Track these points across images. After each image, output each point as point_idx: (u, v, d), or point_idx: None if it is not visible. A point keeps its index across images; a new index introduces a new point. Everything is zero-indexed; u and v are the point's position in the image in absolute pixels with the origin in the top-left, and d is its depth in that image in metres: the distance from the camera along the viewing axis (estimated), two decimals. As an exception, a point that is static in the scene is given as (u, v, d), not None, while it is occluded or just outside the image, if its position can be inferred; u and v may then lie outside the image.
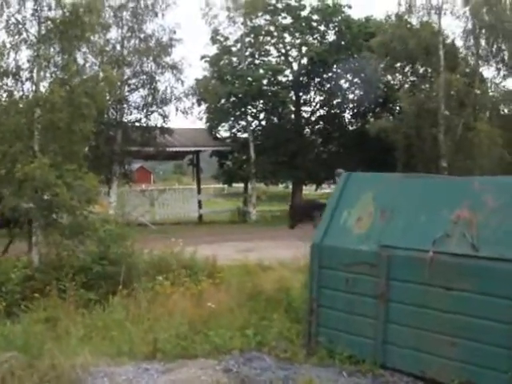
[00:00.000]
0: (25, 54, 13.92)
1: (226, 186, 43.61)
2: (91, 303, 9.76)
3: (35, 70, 13.95)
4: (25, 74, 13.98)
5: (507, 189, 6.55)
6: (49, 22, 13.85)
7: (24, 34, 13.90)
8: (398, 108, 33.80)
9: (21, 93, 14.17)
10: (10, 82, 14.06)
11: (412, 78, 30.74)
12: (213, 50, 34.31)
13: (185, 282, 10.08)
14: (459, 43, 29.00)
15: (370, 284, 7.01)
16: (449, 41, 28.62)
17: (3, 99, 13.97)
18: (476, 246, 6.26)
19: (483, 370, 6.12)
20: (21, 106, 13.93)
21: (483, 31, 27.84)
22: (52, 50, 13.97)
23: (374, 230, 7.13)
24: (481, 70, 29.02)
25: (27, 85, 14.08)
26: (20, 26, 13.88)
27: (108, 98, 15.39)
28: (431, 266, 6.46)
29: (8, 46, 13.80)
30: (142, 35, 27.23)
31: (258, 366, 6.71)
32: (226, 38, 33.71)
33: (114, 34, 26.35)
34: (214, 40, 33.47)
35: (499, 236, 6.22)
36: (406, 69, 30.78)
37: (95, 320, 8.48)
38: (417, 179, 7.70)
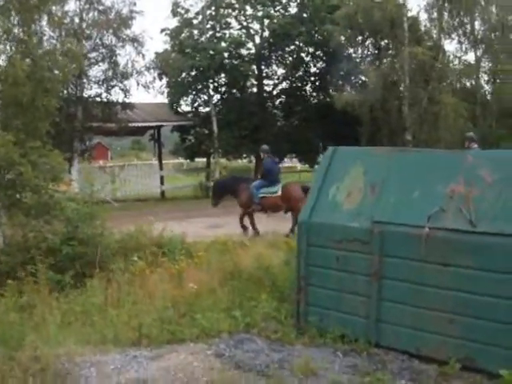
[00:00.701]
0: (-18, 26, 13.32)
1: (185, 161, 43.20)
2: (66, 287, 9.36)
3: (-6, 43, 13.36)
4: (-17, 47, 13.40)
5: (504, 163, 6.39)
6: (7, -8, 13.25)
7: (-19, 5, 13.27)
8: (360, 81, 33.75)
9: (-21, 67, 13.57)
10: (-34, 55, 13.45)
11: (374, 51, 30.59)
12: (173, 23, 33.79)
13: (163, 262, 9.76)
14: (423, 16, 28.97)
15: (361, 261, 6.79)
16: (413, 14, 28.55)
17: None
18: (473, 221, 6.08)
19: (483, 346, 6.00)
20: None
21: (446, 4, 27.78)
22: (11, 21, 13.36)
23: (365, 206, 6.90)
24: (443, 43, 29.03)
25: (-15, 58, 13.52)
26: (-23, -3, 13.27)
27: (72, 72, 14.78)
28: (427, 241, 6.28)
29: (-36, 17, 13.15)
30: (100, 7, 26.51)
31: (249, 348, 6.47)
32: (187, 11, 33.09)
33: (72, 6, 25.63)
34: (174, 12, 32.82)
35: (497, 211, 6.07)
36: (368, 42, 30.66)
37: (72, 305, 8.11)
38: (409, 153, 7.47)
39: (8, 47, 13.50)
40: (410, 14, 27.99)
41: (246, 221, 16.88)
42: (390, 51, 29.09)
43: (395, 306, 6.61)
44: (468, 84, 30.29)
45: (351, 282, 6.91)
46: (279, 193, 16.57)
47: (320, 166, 7.87)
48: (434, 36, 28.87)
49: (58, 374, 5.62)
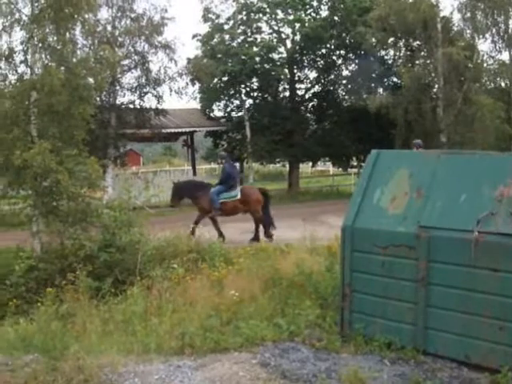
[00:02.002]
0: (18, 36, 13.40)
1: (217, 166, 43.18)
2: (105, 294, 9.31)
3: (29, 52, 13.40)
4: (19, 57, 13.45)
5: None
6: (42, 1, 13.28)
7: (17, 15, 13.32)
8: (392, 83, 33.46)
9: (15, 76, 13.64)
10: (3, 65, 13.51)
11: (407, 53, 30.26)
12: (205, 29, 33.80)
13: (202, 268, 9.66)
14: (456, 16, 28.61)
15: (408, 267, 6.61)
16: (446, 14, 28.20)
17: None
18: (524, 225, 5.88)
19: (536, 354, 5.78)
20: (16, 89, 13.38)
21: (479, 3, 27.38)
22: (47, 30, 13.41)
23: (411, 210, 6.72)
24: (477, 43, 28.61)
25: (22, 68, 13.58)
26: (12, 6, 13.31)
27: (107, 79, 14.82)
28: (476, 246, 6.07)
29: (0, 27, 13.23)
30: (132, 15, 26.55)
31: (295, 357, 6.32)
32: (218, 16, 33.19)
33: (104, 14, 25.70)
34: (205, 18, 32.92)
35: (548, 214, 5.85)
36: (400, 43, 30.35)
37: (113, 313, 8.04)
38: (455, 156, 7.25)
39: (43, 56, 13.53)
40: (442, 14, 27.67)
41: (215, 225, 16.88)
42: (423, 52, 28.72)
43: (443, 312, 6.42)
44: (503, 84, 29.86)
45: (397, 288, 6.72)
46: (239, 196, 16.89)
47: (363, 169, 7.70)
48: (468, 36, 28.45)
49: (102, 385, 5.54)
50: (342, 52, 34.34)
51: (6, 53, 13.26)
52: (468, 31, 28.47)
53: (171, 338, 6.78)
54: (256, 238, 16.43)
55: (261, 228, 16.95)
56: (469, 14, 27.72)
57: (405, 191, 6.91)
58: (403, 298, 6.70)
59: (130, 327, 7.47)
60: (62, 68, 13.17)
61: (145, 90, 27.68)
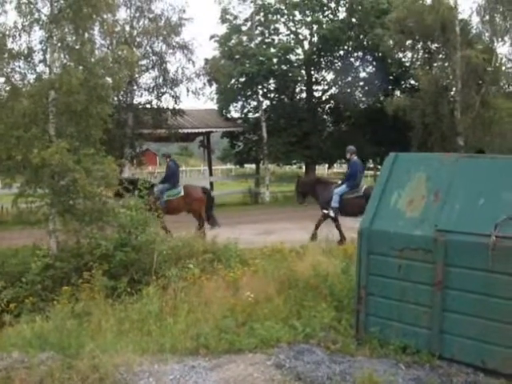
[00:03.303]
0: (37, 36, 13.45)
1: (233, 167, 43.26)
2: (121, 294, 9.32)
3: (48, 52, 13.45)
4: (38, 56, 13.51)
5: None
6: (61, 1, 13.34)
7: (36, 14, 13.37)
8: (409, 86, 33.34)
9: (34, 75, 13.70)
10: (22, 64, 13.57)
11: (425, 55, 30.11)
12: (222, 30, 33.88)
13: (218, 269, 9.67)
14: (475, 19, 28.39)
15: (424, 271, 6.59)
16: (465, 16, 28.04)
17: (16, 82, 13.48)
18: (544, 229, 5.84)
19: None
20: (34, 88, 13.44)
21: (498, 6, 27.18)
22: (66, 30, 13.46)
23: (429, 214, 6.69)
24: (496, 46, 28.39)
25: (40, 67, 13.63)
26: (32, 6, 13.36)
27: (125, 79, 14.84)
28: (493, 251, 6.03)
29: (20, 27, 13.28)
30: (150, 15, 26.60)
31: (310, 359, 6.31)
32: (236, 17, 33.30)
33: (122, 14, 25.77)
34: (223, 19, 33.01)
35: None
36: (418, 46, 30.18)
37: (129, 312, 8.04)
38: (473, 159, 7.20)
39: (62, 55, 13.58)
40: (461, 17, 27.50)
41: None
42: (441, 55, 28.56)
43: (459, 317, 6.40)
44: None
45: (413, 291, 6.70)
46: (182, 193, 17.22)
47: (381, 172, 7.68)
48: (486, 39, 28.25)
49: (117, 384, 5.55)
50: (360, 54, 34.22)
51: (25, 52, 13.28)
52: (487, 34, 28.24)
53: (186, 339, 6.79)
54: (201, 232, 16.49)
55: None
56: (487, 17, 27.48)
57: (422, 194, 6.88)
58: (419, 302, 6.68)
59: (145, 327, 7.47)
60: (81, 67, 13.17)
61: (162, 90, 27.73)
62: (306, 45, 33.98)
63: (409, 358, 6.50)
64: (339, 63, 34.77)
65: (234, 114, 34.65)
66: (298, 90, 35.50)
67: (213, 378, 5.79)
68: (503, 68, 28.63)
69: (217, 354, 6.44)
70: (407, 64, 32.20)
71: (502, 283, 6.04)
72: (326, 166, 42.38)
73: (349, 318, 7.46)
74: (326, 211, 16.55)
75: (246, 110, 34.35)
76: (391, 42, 29.40)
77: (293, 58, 33.92)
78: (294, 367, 6.07)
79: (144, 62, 26.65)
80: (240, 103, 34.02)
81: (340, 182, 17.22)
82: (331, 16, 33.43)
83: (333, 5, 33.38)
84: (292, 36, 34.00)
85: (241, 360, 6.24)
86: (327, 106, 36.27)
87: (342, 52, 34.17)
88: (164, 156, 19.71)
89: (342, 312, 7.77)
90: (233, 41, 33.02)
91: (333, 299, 8.21)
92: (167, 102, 28.11)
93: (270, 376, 5.83)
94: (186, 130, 30.36)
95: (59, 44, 13.33)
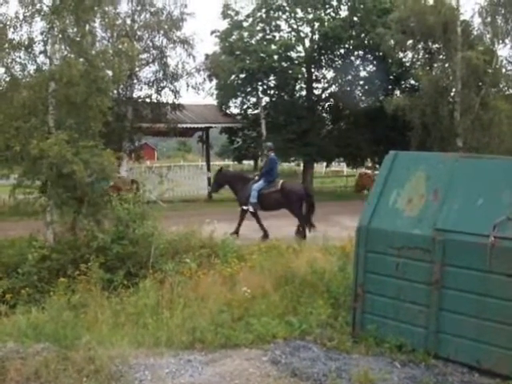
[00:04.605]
0: (38, 27, 13.41)
1: (231, 163, 43.24)
2: (117, 286, 9.33)
3: (49, 43, 13.42)
4: (39, 47, 13.48)
5: None
6: (63, -8, 13.31)
7: (38, 5, 13.33)
8: (409, 86, 33.34)
9: (34, 66, 13.67)
10: (22, 55, 13.53)
11: (425, 56, 30.10)
12: (224, 25, 33.80)
13: (215, 264, 9.66)
14: (477, 20, 28.39)
15: (422, 270, 6.59)
16: (467, 18, 28.01)
17: (16, 73, 13.44)
18: (543, 230, 5.84)
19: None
20: (34, 80, 13.41)
21: (500, 8, 27.18)
22: (67, 21, 13.42)
23: (427, 213, 6.69)
24: (496, 48, 28.38)
25: (41, 58, 13.60)
26: (34, -4, 13.34)
27: (125, 72, 14.80)
28: (492, 251, 6.03)
29: (21, 17, 13.24)
30: (152, 9, 26.58)
31: (306, 356, 6.30)
32: (238, 13, 33.19)
33: (124, 7, 25.74)
34: (224, 15, 32.94)
35: None
36: (419, 46, 30.16)
37: (125, 305, 8.04)
38: (473, 159, 7.20)
39: (63, 47, 13.54)
40: (463, 18, 27.46)
41: None
42: (442, 55, 28.54)
43: (456, 316, 6.40)
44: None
45: (410, 290, 6.70)
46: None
47: (380, 170, 7.65)
48: (488, 40, 28.24)
49: (112, 377, 5.54)
50: (361, 53, 34.15)
51: (26, 43, 13.26)
52: (488, 36, 28.24)
53: (182, 333, 6.79)
54: None
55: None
56: (489, 19, 27.46)
57: (421, 193, 6.88)
58: (416, 301, 6.68)
59: (141, 320, 7.48)
60: (81, 59, 13.17)
61: (162, 84, 27.66)
62: (307, 42, 33.89)
63: (404, 357, 6.50)
64: (340, 61, 34.71)
65: (234, 110, 34.72)
66: (297, 87, 35.43)
67: (208, 373, 5.79)
68: (503, 70, 28.65)
69: (212, 349, 6.45)
70: (408, 64, 32.15)
71: (500, 284, 6.04)
72: (324, 164, 42.39)
73: (345, 316, 7.47)
74: (245, 207, 16.68)
75: (245, 106, 34.41)
76: (392, 41, 29.36)
77: (293, 55, 33.89)
78: (289, 363, 6.07)
79: (144, 55, 26.58)
80: (239, 99, 34.06)
81: (257, 177, 17.23)
82: (333, 14, 33.34)
83: (335, 3, 33.28)
84: (293, 33, 33.90)
85: (236, 355, 6.24)
86: (327, 104, 36.24)
87: (342, 50, 34.07)
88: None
89: (339, 309, 7.78)
90: (234, 36, 32.97)
91: (329, 296, 8.21)
92: (167, 97, 28.08)
93: (266, 372, 5.83)
94: (185, 125, 30.28)
95: (60, 35, 13.31)
